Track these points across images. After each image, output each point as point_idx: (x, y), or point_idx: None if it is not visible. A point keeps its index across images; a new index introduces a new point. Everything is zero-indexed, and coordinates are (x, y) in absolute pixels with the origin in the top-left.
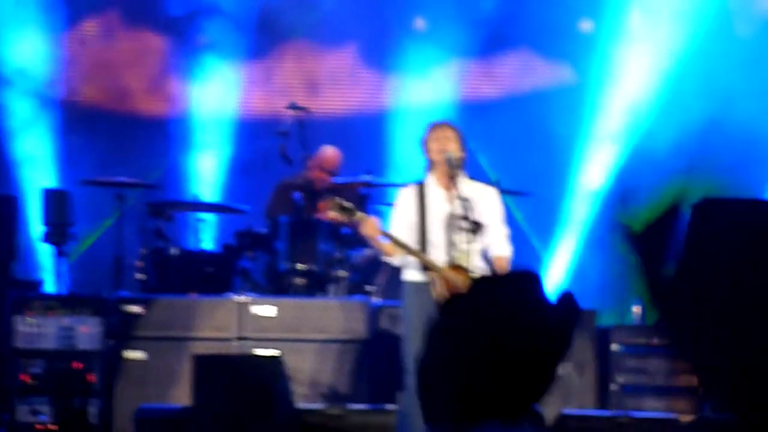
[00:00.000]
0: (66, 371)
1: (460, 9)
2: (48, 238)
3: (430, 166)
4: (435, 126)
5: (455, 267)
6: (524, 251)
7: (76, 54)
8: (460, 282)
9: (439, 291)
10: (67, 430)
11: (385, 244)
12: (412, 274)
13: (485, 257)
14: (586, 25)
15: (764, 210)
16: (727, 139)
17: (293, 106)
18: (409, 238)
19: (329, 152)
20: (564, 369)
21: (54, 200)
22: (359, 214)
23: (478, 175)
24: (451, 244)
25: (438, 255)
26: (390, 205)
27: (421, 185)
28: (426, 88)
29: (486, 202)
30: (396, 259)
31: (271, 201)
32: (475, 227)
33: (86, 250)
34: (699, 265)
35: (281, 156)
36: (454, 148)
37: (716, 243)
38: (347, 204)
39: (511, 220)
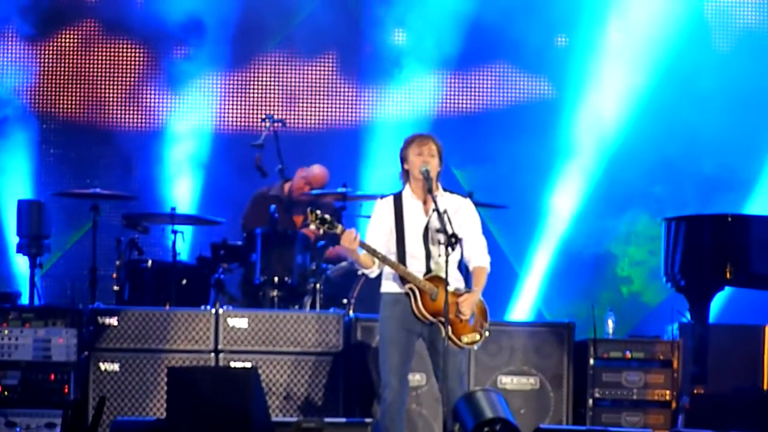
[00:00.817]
0: (42, 383)
1: (438, 22)
2: (23, 249)
3: (407, 177)
4: (418, 139)
5: (433, 278)
6: (499, 264)
7: (52, 65)
8: (438, 293)
9: (417, 302)
10: None
11: (362, 255)
12: (389, 286)
13: (462, 269)
14: (562, 40)
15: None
16: (705, 152)
17: (269, 119)
18: (386, 249)
19: (319, 171)
20: (540, 383)
21: (29, 211)
22: (338, 227)
23: (452, 187)
24: (428, 256)
25: (416, 266)
26: (365, 217)
27: (397, 197)
28: (403, 101)
29: (462, 214)
30: (373, 271)
31: (247, 212)
32: (452, 240)
33: (62, 262)
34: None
35: (256, 168)
36: (435, 163)
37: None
38: (327, 216)
39: (486, 233)
